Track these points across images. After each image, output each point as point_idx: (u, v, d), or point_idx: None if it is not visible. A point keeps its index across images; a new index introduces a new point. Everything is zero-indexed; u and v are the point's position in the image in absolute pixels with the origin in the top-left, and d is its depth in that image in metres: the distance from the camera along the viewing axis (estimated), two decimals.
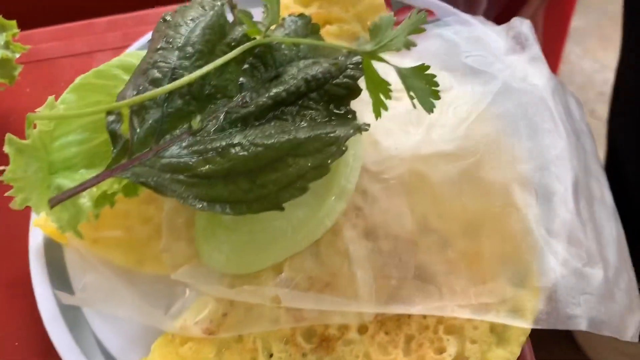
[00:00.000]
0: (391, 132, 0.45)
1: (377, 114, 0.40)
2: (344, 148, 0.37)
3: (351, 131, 0.38)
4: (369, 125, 0.39)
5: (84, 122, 0.43)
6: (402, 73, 0.39)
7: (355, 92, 0.40)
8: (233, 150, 0.36)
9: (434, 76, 0.39)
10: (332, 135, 0.37)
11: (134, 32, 0.62)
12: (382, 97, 0.40)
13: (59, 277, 0.46)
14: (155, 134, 0.37)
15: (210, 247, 0.41)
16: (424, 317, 0.40)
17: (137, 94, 0.38)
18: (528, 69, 0.47)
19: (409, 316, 0.40)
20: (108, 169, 0.37)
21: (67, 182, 0.39)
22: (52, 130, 0.40)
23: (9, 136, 0.37)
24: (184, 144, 0.37)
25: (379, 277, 0.40)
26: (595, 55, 1.69)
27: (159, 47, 0.40)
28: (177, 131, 0.38)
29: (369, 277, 0.40)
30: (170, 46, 0.40)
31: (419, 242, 0.41)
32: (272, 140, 0.37)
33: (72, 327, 0.44)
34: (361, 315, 0.40)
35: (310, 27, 0.45)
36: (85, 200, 0.39)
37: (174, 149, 0.37)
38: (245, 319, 0.40)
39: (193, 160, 0.36)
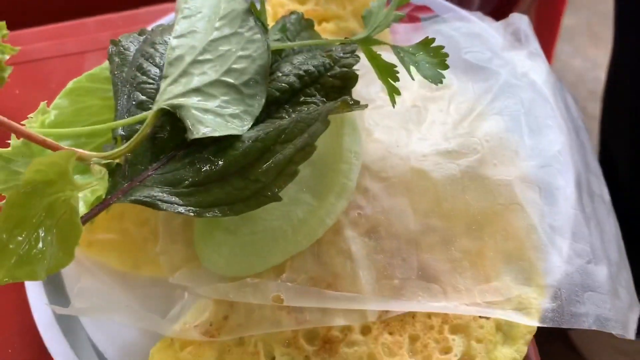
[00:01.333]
0: (392, 130, 0.45)
1: (393, 101, 0.40)
2: (327, 121, 0.36)
3: (335, 104, 0.37)
4: (351, 99, 0.39)
5: (77, 127, 0.42)
6: (404, 50, 0.39)
7: (352, 79, 0.40)
8: (224, 152, 0.35)
9: (442, 47, 0.39)
10: (314, 113, 0.36)
11: (125, 31, 0.60)
12: (391, 81, 0.40)
13: (53, 282, 0.45)
14: (150, 155, 0.36)
15: (209, 250, 0.40)
16: (429, 316, 0.39)
17: (128, 115, 0.37)
18: (527, 64, 0.47)
19: (413, 316, 0.39)
20: (108, 196, 0.36)
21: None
22: (47, 135, 0.39)
23: None
24: (178, 157, 0.36)
25: (382, 277, 0.40)
26: (586, 53, 1.69)
27: (139, 63, 0.40)
28: (172, 144, 0.37)
29: (372, 277, 0.40)
30: (153, 64, 0.39)
31: (421, 241, 0.40)
32: (259, 133, 0.36)
33: (67, 333, 0.42)
34: (364, 315, 0.39)
35: (303, 23, 0.44)
36: (79, 205, 0.38)
37: (170, 164, 0.36)
38: (247, 321, 0.40)
39: (188, 170, 0.36)
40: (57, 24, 0.62)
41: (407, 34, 0.50)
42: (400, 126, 0.45)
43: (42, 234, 0.33)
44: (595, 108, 1.42)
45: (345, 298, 0.39)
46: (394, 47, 0.39)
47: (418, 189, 0.42)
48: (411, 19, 0.52)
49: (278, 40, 0.43)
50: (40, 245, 0.33)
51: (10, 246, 0.32)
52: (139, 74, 0.39)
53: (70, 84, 0.42)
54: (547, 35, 1.27)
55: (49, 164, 0.33)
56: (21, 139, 0.37)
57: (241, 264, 0.40)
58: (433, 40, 0.39)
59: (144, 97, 0.38)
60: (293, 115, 0.37)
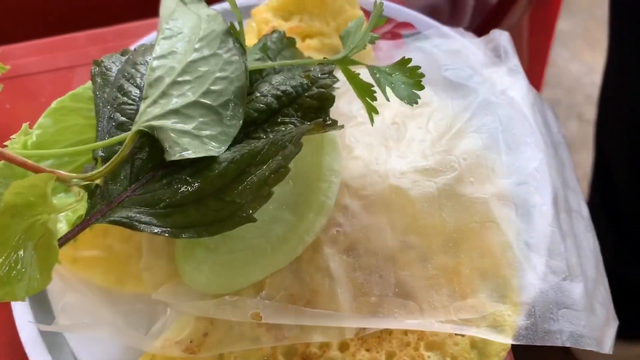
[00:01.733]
0: (372, 147, 0.45)
1: (371, 119, 0.41)
2: (300, 144, 0.37)
3: (309, 127, 0.37)
4: (328, 119, 0.39)
5: (61, 147, 0.42)
6: (380, 71, 0.39)
7: (328, 100, 0.40)
8: (201, 173, 0.36)
9: (418, 67, 0.39)
10: (288, 135, 0.37)
11: (115, 46, 0.61)
12: (369, 101, 0.41)
13: (39, 298, 0.45)
14: (129, 175, 0.37)
15: (190, 268, 0.41)
16: (405, 333, 0.40)
17: (109, 136, 0.38)
18: (507, 81, 0.47)
19: (390, 333, 0.40)
20: (86, 217, 0.36)
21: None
22: (28, 157, 0.40)
23: None
24: (156, 177, 0.37)
25: (359, 294, 0.40)
26: (583, 58, 1.70)
27: (120, 84, 0.40)
28: (150, 165, 0.37)
29: (349, 294, 0.40)
30: (134, 85, 0.40)
31: (399, 258, 0.41)
32: (235, 155, 0.36)
33: (51, 349, 0.43)
34: (342, 332, 0.40)
35: (285, 41, 0.45)
36: (61, 224, 0.39)
37: (148, 185, 0.37)
38: (226, 338, 0.40)
39: (166, 191, 0.36)
40: (47, 39, 0.63)
41: (389, 51, 0.51)
42: (380, 143, 0.45)
43: (22, 256, 0.34)
44: (591, 113, 1.43)
45: (323, 315, 0.39)
46: (370, 67, 0.40)
47: (396, 207, 0.42)
48: (394, 35, 0.53)
49: (259, 59, 0.44)
50: (19, 266, 0.33)
51: None
52: (119, 95, 0.40)
53: (54, 104, 0.43)
54: (541, 41, 1.28)
55: (29, 187, 0.34)
56: (2, 161, 0.38)
57: (221, 282, 0.40)
58: (409, 60, 0.39)
59: (123, 118, 0.39)
60: (270, 136, 0.38)
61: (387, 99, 0.39)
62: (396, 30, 0.53)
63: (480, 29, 0.75)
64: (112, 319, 0.43)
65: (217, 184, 0.36)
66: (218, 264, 0.40)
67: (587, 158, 1.31)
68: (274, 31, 0.45)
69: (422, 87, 0.39)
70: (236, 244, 0.40)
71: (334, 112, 0.44)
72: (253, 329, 0.40)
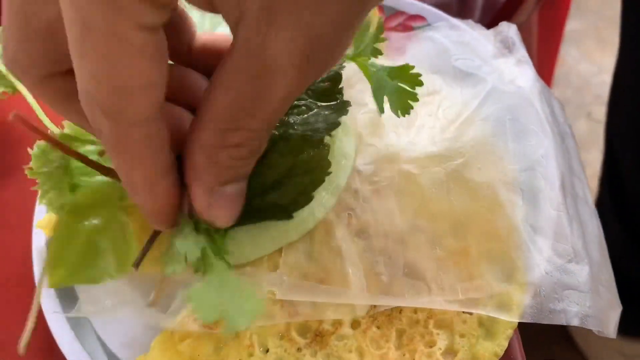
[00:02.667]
0: (383, 134, 0.47)
1: (381, 109, 0.43)
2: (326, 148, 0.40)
3: (336, 120, 0.40)
4: (340, 100, 0.42)
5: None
6: (380, 76, 0.41)
7: (337, 78, 0.42)
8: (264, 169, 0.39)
9: (419, 75, 0.40)
10: (317, 134, 0.39)
11: None
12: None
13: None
14: None
15: None
16: (415, 312, 0.41)
17: None
18: (515, 71, 0.49)
19: (400, 311, 0.41)
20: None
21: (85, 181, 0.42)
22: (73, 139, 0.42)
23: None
24: None
25: (371, 274, 0.42)
26: (593, 57, 1.70)
27: None
28: None
29: (361, 274, 0.42)
30: None
31: (408, 241, 0.42)
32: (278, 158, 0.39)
33: (74, 326, 0.45)
34: (354, 310, 0.41)
35: None
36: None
37: None
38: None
39: None
40: None
41: (399, 41, 0.52)
42: (390, 130, 0.47)
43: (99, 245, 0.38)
44: (601, 113, 1.43)
45: (335, 292, 0.41)
46: (373, 71, 0.41)
47: (406, 192, 0.44)
48: (404, 28, 0.54)
49: None
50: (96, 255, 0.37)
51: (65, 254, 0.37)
52: None
53: None
54: (551, 39, 1.29)
55: (94, 191, 0.36)
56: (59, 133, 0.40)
57: (235, 253, 0.42)
58: (412, 67, 0.40)
59: None
60: (291, 120, 0.40)
61: (381, 111, 0.41)
62: (407, 23, 0.54)
63: (488, 27, 0.76)
64: (133, 298, 0.45)
65: (257, 189, 0.38)
66: (230, 236, 0.42)
67: (597, 157, 1.32)
68: None
69: (417, 99, 0.41)
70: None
71: (347, 99, 0.46)
72: (268, 306, 0.41)
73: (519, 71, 0.49)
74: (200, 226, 0.35)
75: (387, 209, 0.43)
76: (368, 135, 0.47)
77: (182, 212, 0.34)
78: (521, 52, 0.50)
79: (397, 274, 0.42)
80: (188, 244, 0.34)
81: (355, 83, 0.49)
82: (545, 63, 1.33)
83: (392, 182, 0.44)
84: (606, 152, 1.19)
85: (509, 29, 0.51)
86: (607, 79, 1.16)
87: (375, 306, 0.41)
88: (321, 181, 0.40)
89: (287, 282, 0.41)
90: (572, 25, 1.65)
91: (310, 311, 0.41)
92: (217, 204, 0.33)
